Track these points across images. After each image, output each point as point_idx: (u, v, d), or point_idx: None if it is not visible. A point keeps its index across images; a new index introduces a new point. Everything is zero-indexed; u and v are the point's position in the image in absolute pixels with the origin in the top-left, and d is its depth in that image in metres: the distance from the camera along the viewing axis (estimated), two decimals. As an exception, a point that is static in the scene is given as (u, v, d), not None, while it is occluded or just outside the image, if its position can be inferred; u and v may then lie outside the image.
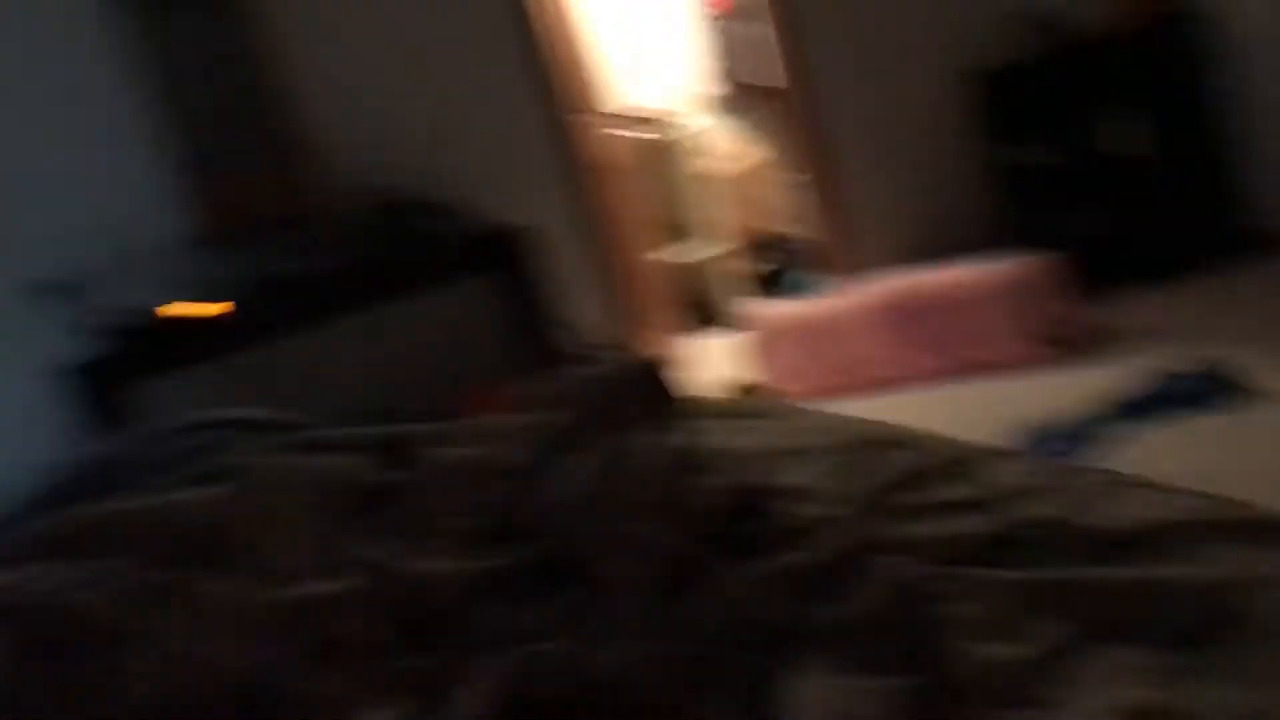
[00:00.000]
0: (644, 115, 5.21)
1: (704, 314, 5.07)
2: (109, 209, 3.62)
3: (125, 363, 3.35)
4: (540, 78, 3.93)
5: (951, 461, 1.12)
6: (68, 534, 0.89)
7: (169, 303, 3.42)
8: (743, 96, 5.31)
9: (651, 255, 4.54)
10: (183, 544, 0.87)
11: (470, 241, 3.66)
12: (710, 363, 4.43)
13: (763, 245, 5.31)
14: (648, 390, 1.26)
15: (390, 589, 0.90)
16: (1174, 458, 2.38)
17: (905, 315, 3.72)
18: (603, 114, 4.40)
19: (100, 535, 0.88)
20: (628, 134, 4.81)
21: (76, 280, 3.47)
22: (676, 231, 5.14)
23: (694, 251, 5.08)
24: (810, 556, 0.81)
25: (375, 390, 3.76)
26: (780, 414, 1.54)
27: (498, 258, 3.70)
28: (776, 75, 4.40)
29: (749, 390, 3.99)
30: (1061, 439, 2.70)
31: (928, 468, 1.10)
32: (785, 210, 5.27)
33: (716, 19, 5.28)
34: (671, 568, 0.83)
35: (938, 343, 3.61)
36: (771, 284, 5.08)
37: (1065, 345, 3.39)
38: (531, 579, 0.95)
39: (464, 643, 0.86)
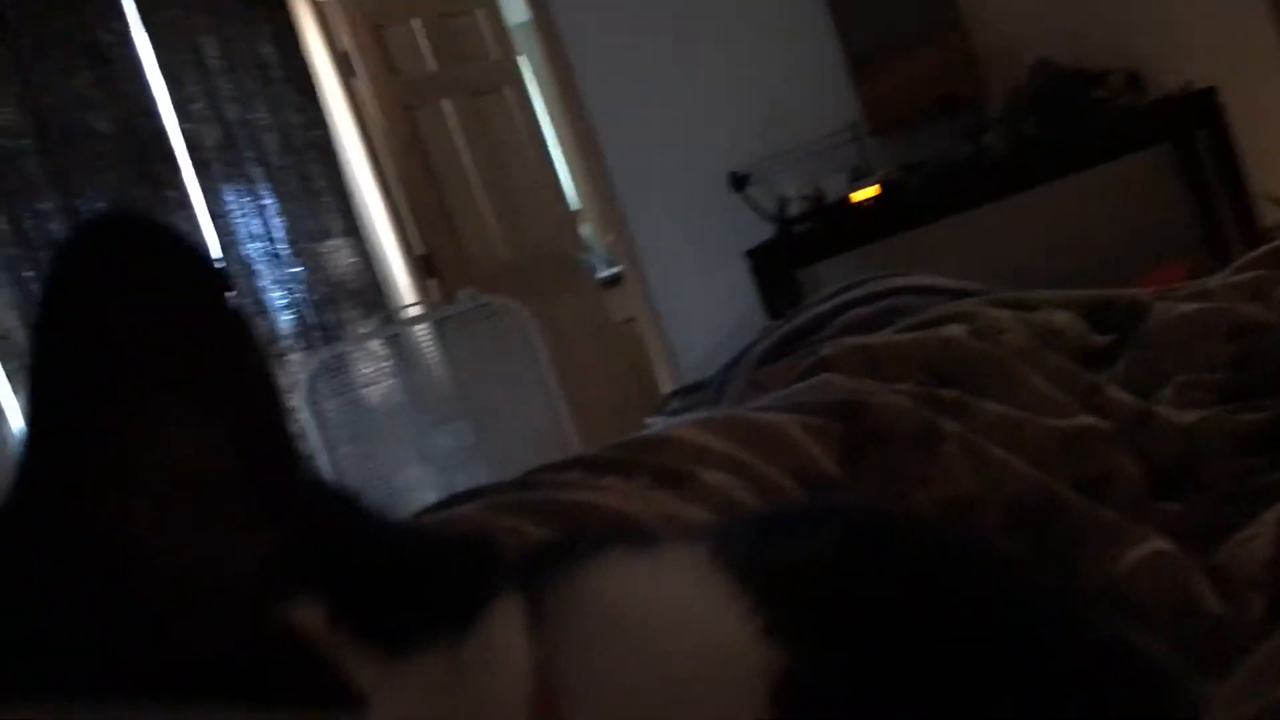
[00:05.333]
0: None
1: None
2: (783, 108, 3.94)
3: (798, 245, 3.61)
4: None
5: None
6: (834, 357, 0.97)
7: (838, 189, 3.62)
8: None
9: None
10: (943, 370, 0.91)
11: (1148, 109, 3.39)
12: None
13: None
14: None
15: (1144, 433, 0.87)
16: None
17: None
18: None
19: (861, 360, 0.95)
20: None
21: (759, 170, 3.81)
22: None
23: None
24: None
25: (1038, 274, 3.67)
26: None
27: (1180, 125, 3.39)
28: None
29: None
30: None
31: None
32: None
33: None
34: None
35: None
36: None
37: None
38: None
39: (1221, 493, 0.82)
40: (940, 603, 0.40)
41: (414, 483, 3.49)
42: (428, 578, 0.36)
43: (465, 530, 0.43)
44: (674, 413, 3.79)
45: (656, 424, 3.98)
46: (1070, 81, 3.47)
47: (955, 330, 1.01)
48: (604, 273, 5.20)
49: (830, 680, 0.33)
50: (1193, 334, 1.10)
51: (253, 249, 3.64)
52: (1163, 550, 0.70)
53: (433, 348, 3.26)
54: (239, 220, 3.61)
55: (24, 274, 2.94)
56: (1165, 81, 3.45)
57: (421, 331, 3.33)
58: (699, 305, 4.21)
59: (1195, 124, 3.35)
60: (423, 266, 4.31)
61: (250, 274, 3.60)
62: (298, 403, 3.32)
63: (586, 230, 5.39)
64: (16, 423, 2.79)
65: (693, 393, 3.96)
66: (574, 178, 5.34)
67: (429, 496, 3.56)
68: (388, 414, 3.38)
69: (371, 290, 4.02)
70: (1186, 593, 0.70)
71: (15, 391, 2.81)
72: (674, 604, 0.37)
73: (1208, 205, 3.47)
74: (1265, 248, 1.40)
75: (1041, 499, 0.72)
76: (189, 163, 3.50)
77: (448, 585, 0.36)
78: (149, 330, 0.30)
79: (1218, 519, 0.78)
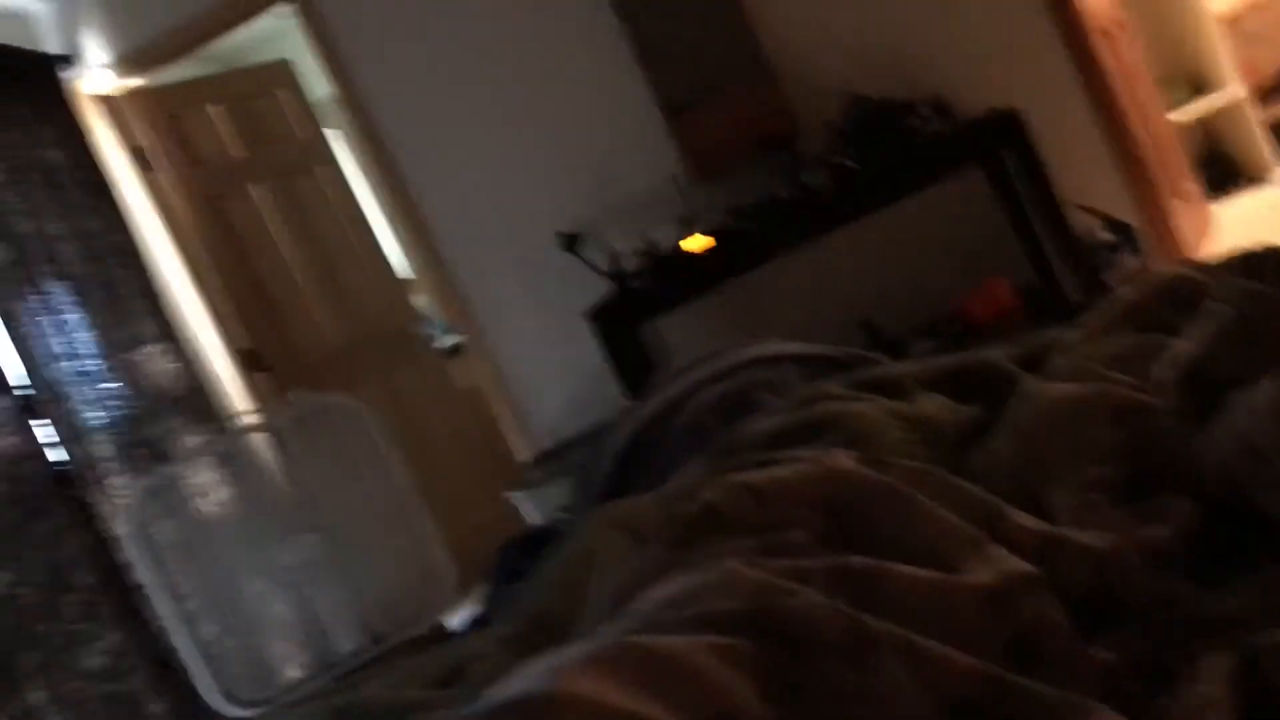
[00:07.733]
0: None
1: (1225, 172, 4.50)
2: (605, 164, 3.89)
3: (638, 300, 3.56)
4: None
5: None
6: (720, 504, 0.89)
7: (669, 240, 3.58)
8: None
9: (1159, 115, 4.07)
10: (837, 506, 0.84)
11: (957, 133, 3.48)
12: (1241, 226, 3.94)
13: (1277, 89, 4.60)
14: None
15: (1057, 561, 0.83)
16: None
17: None
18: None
19: (750, 503, 0.88)
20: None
21: (589, 227, 3.75)
22: (1183, 85, 4.58)
23: (1205, 105, 4.49)
24: None
25: (873, 301, 3.72)
26: None
27: (988, 146, 3.49)
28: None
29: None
30: None
31: None
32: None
33: None
34: None
35: None
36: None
37: None
38: (1206, 546, 0.84)
39: (1154, 629, 0.78)
40: None
41: (259, 595, 3.27)
42: None
43: None
44: (535, 485, 3.67)
45: (519, 499, 3.82)
46: (880, 113, 3.53)
47: (841, 459, 0.95)
48: (445, 343, 5.05)
49: None
50: (1075, 421, 1.07)
51: (61, 368, 3.37)
52: (1111, 727, 0.65)
53: (269, 457, 3.07)
54: (42, 340, 3.34)
55: None
56: (969, 107, 3.55)
57: (256, 439, 3.13)
58: (545, 367, 4.11)
59: (1001, 144, 3.45)
60: (250, 361, 4.08)
61: (61, 397, 3.32)
62: (123, 530, 3.07)
63: (423, 301, 5.23)
64: None
65: (551, 459, 3.85)
66: (403, 249, 5.17)
67: (279, 608, 3.34)
68: (226, 529, 3.16)
69: (197, 395, 3.77)
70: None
71: None
72: None
73: (1022, 220, 3.58)
74: (1117, 301, 1.39)
75: (983, 691, 0.65)
76: (-22, 286, 3.22)
77: None
78: None
79: (1153, 662, 0.73)
